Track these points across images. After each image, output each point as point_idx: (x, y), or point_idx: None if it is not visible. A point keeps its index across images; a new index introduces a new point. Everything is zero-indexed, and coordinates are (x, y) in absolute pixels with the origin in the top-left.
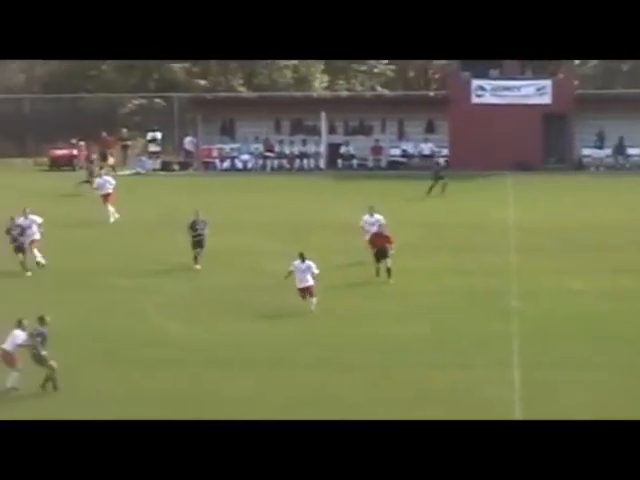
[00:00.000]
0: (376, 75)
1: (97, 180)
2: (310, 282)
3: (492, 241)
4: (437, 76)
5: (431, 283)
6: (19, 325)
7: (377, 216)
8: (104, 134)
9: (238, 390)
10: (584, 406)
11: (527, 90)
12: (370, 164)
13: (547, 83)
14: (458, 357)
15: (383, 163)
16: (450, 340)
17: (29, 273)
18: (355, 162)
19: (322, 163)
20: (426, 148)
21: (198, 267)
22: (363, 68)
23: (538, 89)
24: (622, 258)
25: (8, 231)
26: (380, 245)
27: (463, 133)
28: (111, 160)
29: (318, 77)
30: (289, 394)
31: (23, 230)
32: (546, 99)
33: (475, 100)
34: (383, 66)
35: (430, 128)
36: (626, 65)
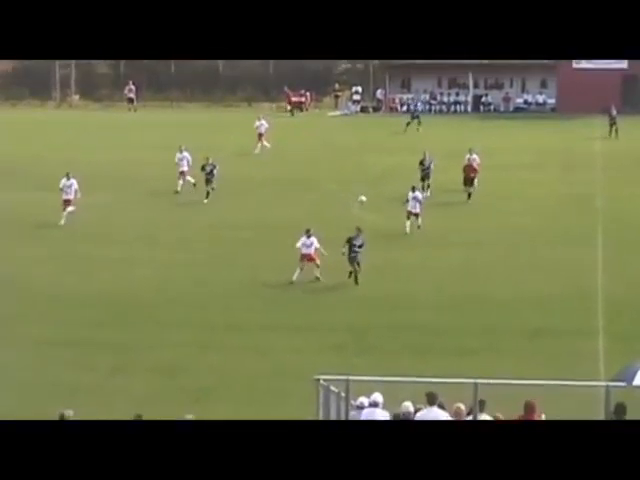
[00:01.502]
0: None
1: (256, 122)
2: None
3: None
4: None
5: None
6: (307, 233)
7: (474, 155)
8: (286, 89)
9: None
10: None
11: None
12: (502, 109)
13: None
14: None
15: (511, 108)
16: None
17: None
18: (492, 107)
19: (469, 108)
20: (540, 98)
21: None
22: None
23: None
24: None
25: (203, 167)
26: (468, 174)
27: (567, 88)
28: (288, 107)
29: None
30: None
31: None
32: (624, 65)
33: (575, 66)
34: None
35: (544, 85)
36: None
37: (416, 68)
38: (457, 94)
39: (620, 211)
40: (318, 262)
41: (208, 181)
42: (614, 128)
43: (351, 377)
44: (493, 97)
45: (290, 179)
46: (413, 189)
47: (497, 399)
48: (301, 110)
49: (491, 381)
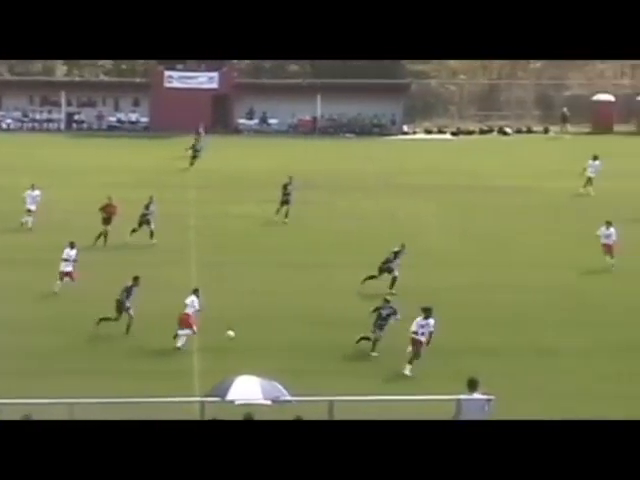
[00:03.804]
0: (100, 66)
1: None
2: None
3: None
4: (142, 68)
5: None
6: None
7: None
8: None
9: None
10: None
11: (201, 79)
12: (95, 127)
13: (215, 74)
14: None
15: (104, 126)
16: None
17: None
18: (85, 125)
19: (62, 126)
20: (133, 117)
21: None
22: (89, 62)
23: (209, 78)
24: (263, 192)
25: None
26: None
27: (159, 107)
28: None
29: (59, 67)
30: None
31: None
32: (214, 85)
33: (167, 85)
34: (104, 60)
35: (136, 103)
36: (268, 64)
37: (6, 85)
38: (50, 112)
39: (213, 229)
40: (195, 328)
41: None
42: (195, 159)
43: None
44: (86, 115)
45: None
46: (72, 245)
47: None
48: None
49: (88, 400)
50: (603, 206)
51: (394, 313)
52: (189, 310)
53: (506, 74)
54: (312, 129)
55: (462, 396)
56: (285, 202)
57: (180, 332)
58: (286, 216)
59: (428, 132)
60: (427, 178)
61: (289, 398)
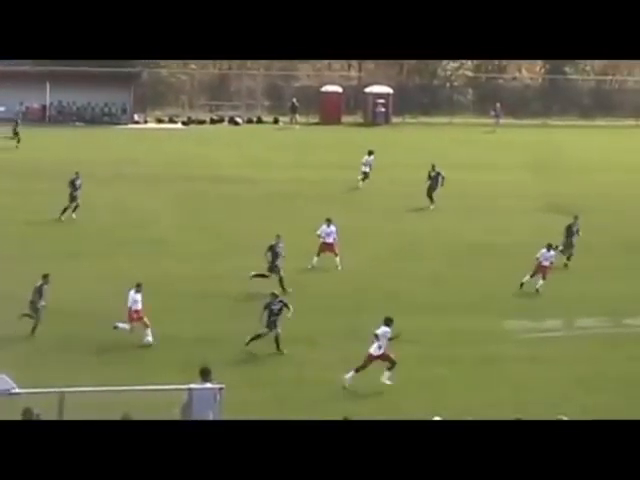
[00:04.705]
0: None
1: None
2: None
3: None
4: None
5: None
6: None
7: None
8: None
9: None
10: None
11: None
12: None
13: None
14: None
15: None
16: None
17: None
18: None
19: None
20: None
21: None
22: None
23: None
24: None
25: None
26: None
27: None
28: None
29: None
30: None
31: None
32: None
33: None
34: None
35: None
36: None
37: None
38: None
39: None
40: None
41: None
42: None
43: None
44: None
45: None
46: None
47: None
48: None
49: None
50: (337, 198)
51: (286, 306)
52: (134, 305)
53: (237, 64)
54: (41, 117)
55: (194, 385)
56: (73, 199)
57: (122, 325)
58: (74, 211)
59: (159, 121)
60: (159, 168)
61: (18, 390)
